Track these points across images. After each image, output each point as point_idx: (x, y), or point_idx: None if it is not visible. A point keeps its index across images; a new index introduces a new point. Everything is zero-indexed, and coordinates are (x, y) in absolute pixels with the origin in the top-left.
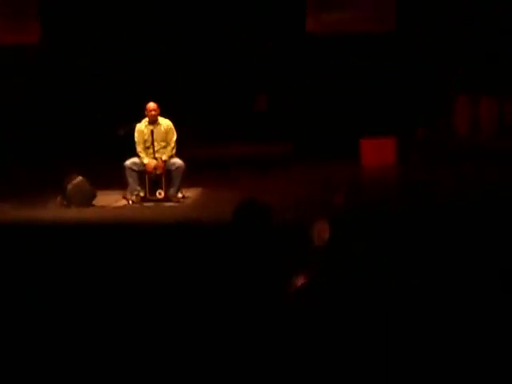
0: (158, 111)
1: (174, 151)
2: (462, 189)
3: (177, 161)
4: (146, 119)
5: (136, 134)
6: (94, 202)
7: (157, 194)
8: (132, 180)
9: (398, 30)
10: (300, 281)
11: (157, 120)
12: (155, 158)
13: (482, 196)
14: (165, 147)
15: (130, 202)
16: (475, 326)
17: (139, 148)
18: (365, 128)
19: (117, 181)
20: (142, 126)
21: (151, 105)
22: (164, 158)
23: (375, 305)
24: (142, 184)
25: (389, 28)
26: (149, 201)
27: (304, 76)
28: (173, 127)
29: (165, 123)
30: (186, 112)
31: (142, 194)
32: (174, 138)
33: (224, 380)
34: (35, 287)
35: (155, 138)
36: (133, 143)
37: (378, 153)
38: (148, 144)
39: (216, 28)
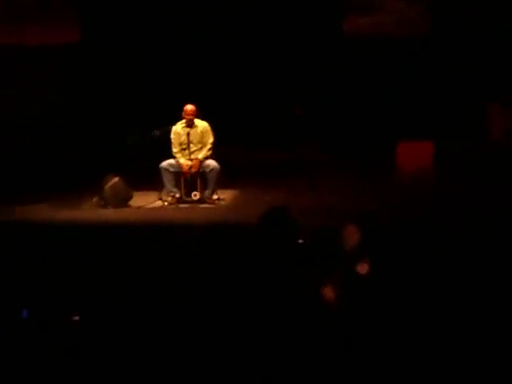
0: (195, 114)
1: (210, 153)
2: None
3: (212, 162)
4: (183, 121)
5: (172, 136)
6: (130, 203)
7: (192, 195)
8: (167, 181)
9: (433, 35)
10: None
11: (193, 123)
12: (191, 160)
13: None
14: (201, 148)
15: (166, 203)
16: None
17: (175, 149)
18: (400, 132)
19: (153, 182)
20: (178, 128)
21: (189, 107)
22: (200, 157)
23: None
24: (177, 185)
25: (423, 32)
26: (184, 202)
27: (340, 78)
28: (210, 129)
29: (201, 125)
30: (224, 115)
31: (177, 196)
32: (211, 140)
33: None
34: (75, 284)
35: (191, 139)
36: (169, 145)
37: (415, 156)
38: (184, 146)
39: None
